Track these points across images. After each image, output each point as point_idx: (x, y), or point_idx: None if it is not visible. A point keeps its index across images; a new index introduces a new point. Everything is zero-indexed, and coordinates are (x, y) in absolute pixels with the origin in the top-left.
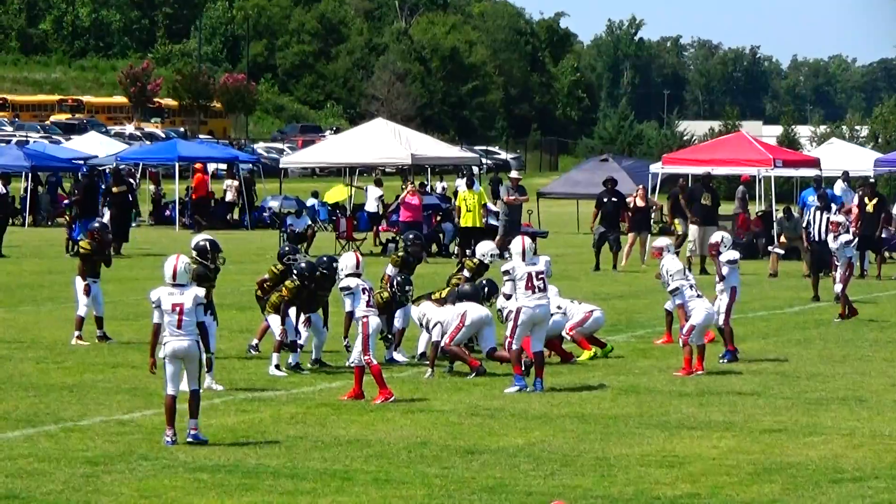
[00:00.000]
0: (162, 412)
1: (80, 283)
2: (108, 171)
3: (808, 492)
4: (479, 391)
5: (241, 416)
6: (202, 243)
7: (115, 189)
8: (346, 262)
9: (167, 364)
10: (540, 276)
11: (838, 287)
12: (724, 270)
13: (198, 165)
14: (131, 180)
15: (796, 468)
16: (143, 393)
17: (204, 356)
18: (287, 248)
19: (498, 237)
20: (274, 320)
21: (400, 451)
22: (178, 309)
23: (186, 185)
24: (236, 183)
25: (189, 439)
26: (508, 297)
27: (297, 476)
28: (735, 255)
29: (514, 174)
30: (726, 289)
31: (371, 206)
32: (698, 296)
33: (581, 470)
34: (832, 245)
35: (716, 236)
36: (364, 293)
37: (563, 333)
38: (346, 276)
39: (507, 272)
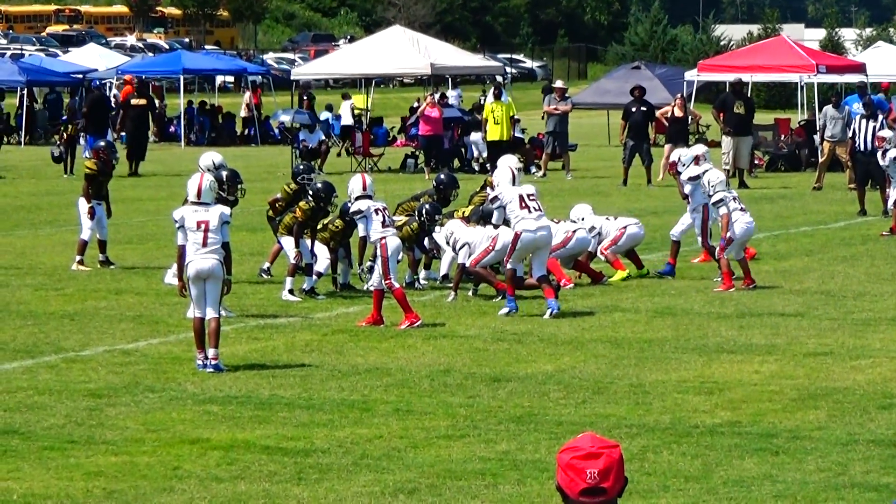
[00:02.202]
0: (169, 341)
1: (83, 205)
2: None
3: (855, 418)
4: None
5: (253, 343)
6: (221, 174)
7: (134, 101)
8: (353, 185)
9: (191, 287)
10: (532, 197)
11: (891, 202)
12: (687, 189)
13: (127, 77)
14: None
15: (843, 393)
16: (148, 321)
17: (227, 277)
18: (301, 167)
19: (544, 152)
20: (287, 242)
21: (422, 379)
22: (203, 226)
23: (189, 98)
24: (247, 96)
25: (209, 369)
26: (497, 227)
27: (313, 407)
28: (696, 170)
29: (558, 83)
30: (697, 208)
31: (346, 119)
32: (742, 209)
33: (614, 398)
34: (881, 162)
35: (674, 155)
36: (377, 213)
37: (599, 254)
38: (356, 199)
39: (494, 199)
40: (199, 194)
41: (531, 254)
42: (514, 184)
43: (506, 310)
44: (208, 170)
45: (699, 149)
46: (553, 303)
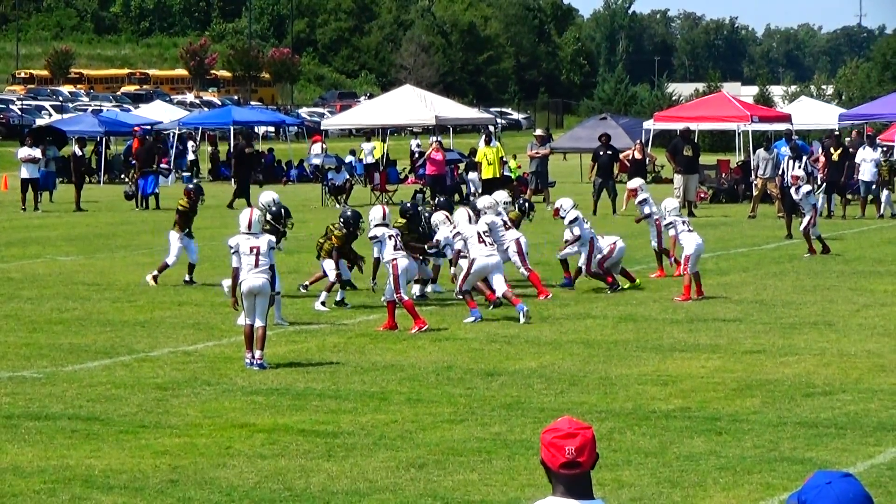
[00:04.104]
0: (222, 344)
1: (174, 236)
2: (173, 133)
3: (784, 405)
4: (496, 321)
5: (291, 345)
6: (275, 209)
7: (247, 150)
8: (374, 214)
9: (244, 300)
10: (486, 234)
11: (802, 227)
12: (576, 230)
13: (136, 128)
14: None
15: (774, 384)
16: (205, 327)
17: (275, 293)
18: (349, 213)
19: (529, 189)
20: (328, 264)
21: (429, 374)
22: (255, 251)
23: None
24: (319, 145)
25: (255, 367)
26: (460, 252)
27: (340, 397)
28: (575, 213)
29: (538, 132)
30: (584, 242)
31: (369, 159)
32: (689, 230)
33: (587, 388)
34: (795, 197)
35: (557, 203)
36: (390, 239)
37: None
38: (375, 226)
39: (457, 234)
40: (249, 226)
41: (491, 276)
42: (470, 223)
43: (471, 318)
44: (268, 205)
45: (636, 182)
46: (521, 306)
